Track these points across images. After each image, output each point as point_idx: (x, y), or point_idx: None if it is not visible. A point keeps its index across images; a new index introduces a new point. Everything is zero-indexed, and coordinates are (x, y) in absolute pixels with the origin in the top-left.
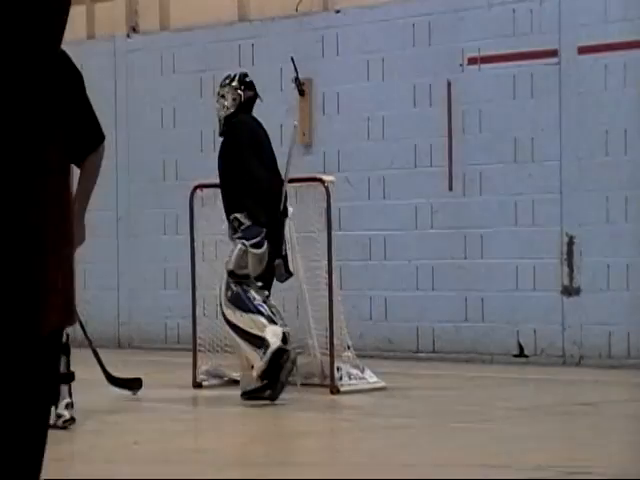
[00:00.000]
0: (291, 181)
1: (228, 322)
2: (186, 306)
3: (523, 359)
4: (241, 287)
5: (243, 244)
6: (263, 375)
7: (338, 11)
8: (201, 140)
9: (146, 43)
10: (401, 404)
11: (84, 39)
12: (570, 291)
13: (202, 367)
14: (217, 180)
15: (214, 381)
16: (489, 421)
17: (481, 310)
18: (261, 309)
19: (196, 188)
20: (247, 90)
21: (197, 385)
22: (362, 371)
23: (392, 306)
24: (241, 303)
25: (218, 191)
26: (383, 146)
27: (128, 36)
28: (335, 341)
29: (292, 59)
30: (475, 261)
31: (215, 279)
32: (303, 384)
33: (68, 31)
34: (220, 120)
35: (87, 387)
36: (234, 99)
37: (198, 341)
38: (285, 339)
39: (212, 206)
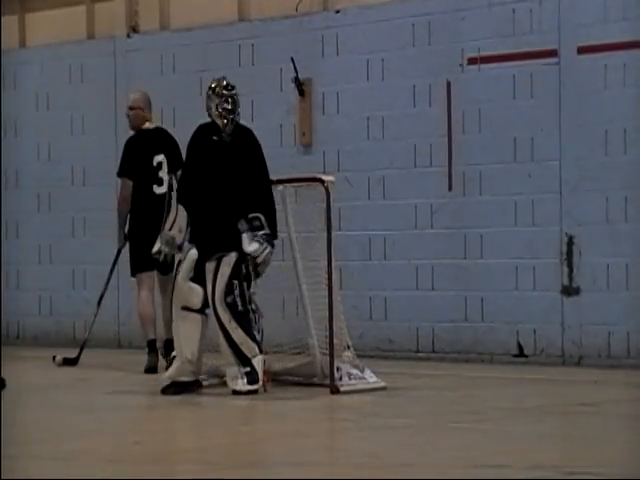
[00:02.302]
0: (290, 181)
1: (219, 322)
2: None
3: (523, 359)
4: (242, 300)
5: (271, 247)
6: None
7: (338, 11)
8: None
9: (146, 43)
10: (401, 404)
11: (84, 39)
12: (570, 291)
13: (203, 367)
14: None
15: (214, 381)
16: (489, 421)
17: (481, 310)
18: (256, 336)
19: None
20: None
21: (200, 385)
22: (362, 371)
23: (392, 306)
24: (241, 320)
25: None
26: (383, 146)
27: (128, 36)
28: (335, 341)
29: (292, 59)
30: (475, 261)
31: None
32: (303, 384)
33: (68, 31)
34: (231, 123)
35: (87, 387)
36: (239, 106)
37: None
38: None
39: None
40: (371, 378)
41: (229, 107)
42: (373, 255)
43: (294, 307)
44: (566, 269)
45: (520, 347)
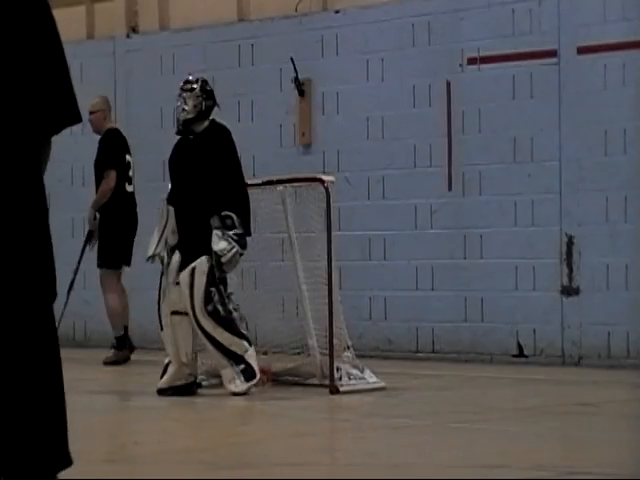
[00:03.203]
0: (290, 181)
1: (203, 331)
2: None
3: (522, 359)
4: (223, 305)
5: (239, 249)
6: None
7: (337, 11)
8: None
9: (146, 43)
10: (401, 404)
11: (84, 39)
12: (569, 291)
13: (202, 367)
14: None
15: (214, 381)
16: (489, 421)
17: (480, 310)
18: (244, 332)
19: None
20: (207, 99)
21: (197, 385)
22: (362, 371)
23: (392, 306)
24: (224, 323)
25: None
26: (383, 146)
27: (128, 36)
28: (335, 341)
29: (292, 59)
30: (474, 261)
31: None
32: (303, 384)
33: (68, 31)
34: (178, 121)
35: (86, 386)
36: (195, 106)
37: (198, 341)
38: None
39: None
40: (371, 378)
41: (179, 105)
42: (373, 255)
43: (294, 307)
44: (566, 269)
45: (520, 347)
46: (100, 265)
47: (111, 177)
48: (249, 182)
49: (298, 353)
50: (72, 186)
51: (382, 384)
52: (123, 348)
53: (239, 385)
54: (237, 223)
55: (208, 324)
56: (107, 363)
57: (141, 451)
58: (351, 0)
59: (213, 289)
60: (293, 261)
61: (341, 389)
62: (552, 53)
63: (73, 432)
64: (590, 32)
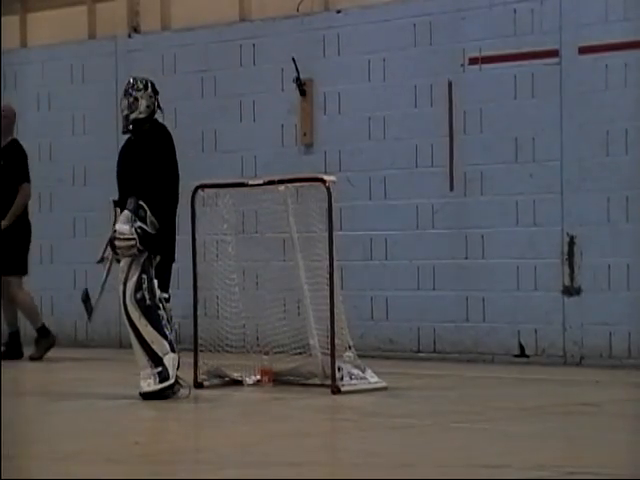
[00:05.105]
0: (292, 181)
1: (129, 320)
2: (187, 306)
3: (524, 359)
4: (153, 299)
5: (138, 244)
6: (151, 395)
7: (339, 11)
8: (202, 140)
9: (147, 43)
10: (402, 404)
11: (85, 39)
12: (571, 291)
13: (203, 367)
14: (219, 180)
15: (215, 381)
16: (489, 421)
17: (482, 310)
18: (167, 333)
19: (198, 188)
20: (157, 100)
21: (198, 385)
22: (363, 371)
23: (393, 306)
24: (150, 316)
25: (219, 191)
26: (384, 146)
27: (129, 36)
28: (336, 341)
29: (293, 59)
30: (476, 261)
31: (216, 279)
32: (304, 384)
33: (69, 31)
34: (127, 119)
35: (87, 386)
36: (148, 106)
37: (199, 341)
38: (178, 365)
39: (213, 206)
40: (372, 378)
41: (130, 103)
42: (374, 255)
43: (295, 307)
44: (567, 269)
45: (521, 347)
46: (9, 273)
47: (28, 190)
48: (251, 182)
49: (300, 353)
50: (73, 186)
51: (383, 384)
52: (48, 335)
53: (151, 385)
54: (149, 221)
55: (134, 313)
56: (35, 358)
57: (141, 451)
58: (353, 0)
59: (145, 276)
60: (295, 261)
61: (342, 389)
62: (554, 53)
63: (74, 432)
64: (592, 32)
